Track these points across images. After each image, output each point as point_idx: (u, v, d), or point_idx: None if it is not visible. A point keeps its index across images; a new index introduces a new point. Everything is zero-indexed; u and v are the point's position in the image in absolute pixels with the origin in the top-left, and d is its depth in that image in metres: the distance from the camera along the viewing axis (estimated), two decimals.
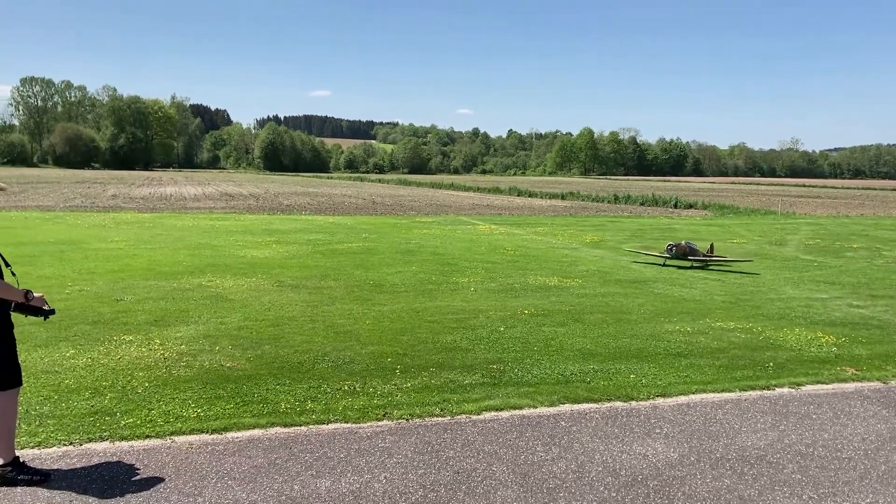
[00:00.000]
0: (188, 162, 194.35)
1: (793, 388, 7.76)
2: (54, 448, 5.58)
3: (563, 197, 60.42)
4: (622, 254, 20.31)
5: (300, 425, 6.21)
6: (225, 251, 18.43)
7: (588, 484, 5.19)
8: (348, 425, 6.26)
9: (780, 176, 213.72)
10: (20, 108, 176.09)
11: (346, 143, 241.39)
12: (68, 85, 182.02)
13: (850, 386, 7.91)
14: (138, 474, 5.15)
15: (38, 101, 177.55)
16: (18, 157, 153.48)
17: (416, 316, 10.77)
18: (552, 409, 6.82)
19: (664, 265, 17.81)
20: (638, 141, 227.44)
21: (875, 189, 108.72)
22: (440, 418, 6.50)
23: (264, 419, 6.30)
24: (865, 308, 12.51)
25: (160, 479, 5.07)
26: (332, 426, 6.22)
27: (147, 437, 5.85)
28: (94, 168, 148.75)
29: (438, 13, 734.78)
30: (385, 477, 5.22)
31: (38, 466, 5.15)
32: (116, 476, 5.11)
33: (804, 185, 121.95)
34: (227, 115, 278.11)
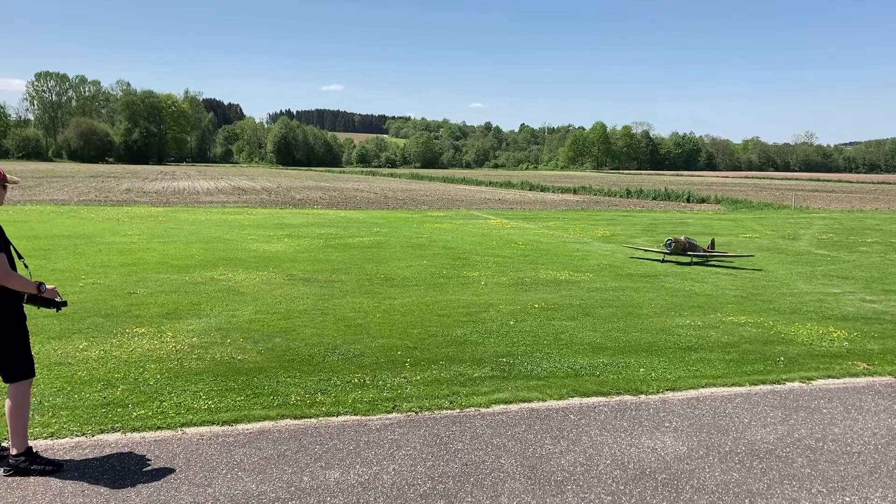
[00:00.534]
0: (201, 156, 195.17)
1: (803, 382, 7.73)
2: (67, 439, 5.64)
3: (575, 191, 60.30)
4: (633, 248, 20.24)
5: (310, 417, 6.25)
6: (237, 245, 18.52)
7: (596, 477, 5.20)
8: (358, 417, 6.29)
9: (794, 170, 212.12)
10: (35, 102, 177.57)
11: (359, 138, 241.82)
12: (83, 80, 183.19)
13: (861, 381, 7.87)
14: (149, 465, 5.20)
15: (53, 96, 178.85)
16: (33, 152, 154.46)
17: (426, 309, 10.80)
18: (561, 403, 6.83)
19: (663, 261, 17.44)
20: (651, 135, 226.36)
21: (890, 183, 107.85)
22: (449, 411, 6.52)
23: (274, 411, 6.34)
24: (878, 303, 12.43)
25: (171, 470, 5.12)
26: (341, 418, 6.26)
27: (158, 428, 5.91)
28: (108, 162, 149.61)
29: (451, 8, 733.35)
30: (394, 469, 5.25)
31: (51, 457, 5.21)
32: (128, 466, 5.16)
33: (818, 180, 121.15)
34: (240, 109, 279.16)
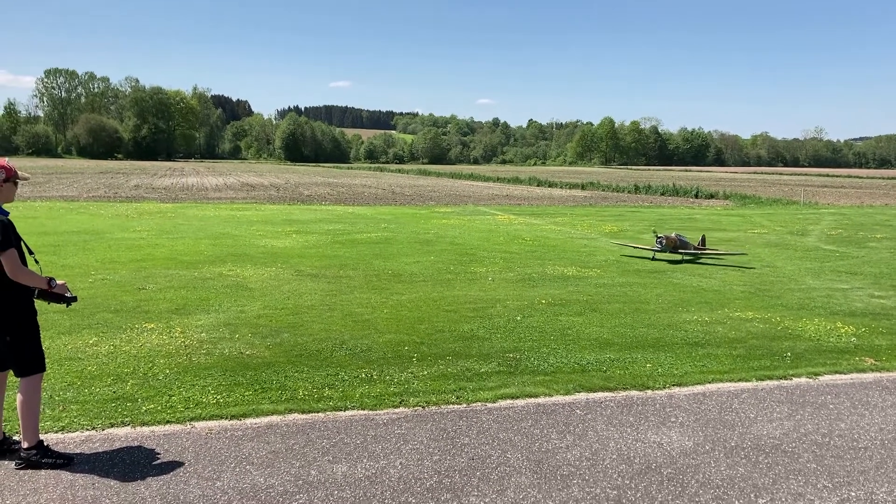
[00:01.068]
0: (210, 152, 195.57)
1: (810, 378, 7.73)
2: (77, 433, 5.70)
3: (583, 187, 60.18)
4: (640, 244, 20.20)
5: (318, 412, 6.29)
6: (245, 241, 18.59)
7: (602, 471, 5.22)
8: (365, 412, 6.33)
9: (803, 166, 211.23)
10: (45, 99, 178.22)
11: (367, 134, 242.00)
12: (92, 76, 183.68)
13: (868, 376, 7.86)
14: (159, 459, 5.25)
15: (62, 93, 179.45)
16: (43, 148, 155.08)
17: (433, 305, 10.83)
18: (567, 398, 6.85)
19: (653, 258, 16.90)
20: (659, 130, 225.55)
21: None
22: (456, 406, 6.55)
23: (282, 405, 6.39)
24: (887, 298, 12.39)
25: (180, 464, 5.17)
26: (349, 413, 6.30)
27: (167, 422, 5.96)
28: (117, 158, 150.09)
29: (459, 4, 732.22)
30: (401, 463, 5.29)
31: (62, 450, 5.27)
32: (137, 460, 5.21)
33: (828, 175, 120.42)
34: (249, 105, 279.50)
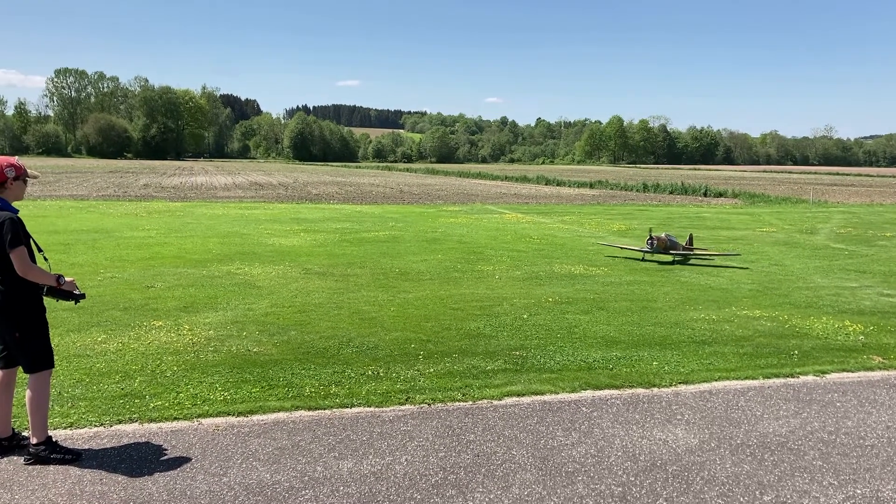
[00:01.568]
0: (219, 152, 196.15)
1: (817, 376, 7.71)
2: (86, 429, 5.75)
3: (591, 185, 60.11)
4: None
5: (324, 409, 6.32)
6: (254, 239, 18.65)
7: (607, 468, 5.23)
8: (371, 409, 6.35)
9: (813, 164, 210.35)
10: (55, 99, 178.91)
11: (375, 133, 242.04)
12: (101, 76, 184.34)
13: (876, 374, 7.84)
14: (166, 454, 5.29)
15: (72, 92, 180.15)
16: (53, 147, 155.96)
17: (440, 303, 10.85)
18: (573, 396, 6.86)
19: (643, 260, 16.32)
20: (668, 129, 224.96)
21: None
22: (462, 403, 6.57)
23: (289, 402, 6.42)
24: None
25: (187, 460, 5.21)
26: (355, 410, 6.32)
27: (175, 419, 6.00)
28: (126, 158, 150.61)
29: (466, 3, 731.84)
30: (406, 459, 5.31)
31: (70, 446, 5.32)
32: (145, 456, 5.25)
33: (837, 174, 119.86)
34: (257, 105, 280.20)
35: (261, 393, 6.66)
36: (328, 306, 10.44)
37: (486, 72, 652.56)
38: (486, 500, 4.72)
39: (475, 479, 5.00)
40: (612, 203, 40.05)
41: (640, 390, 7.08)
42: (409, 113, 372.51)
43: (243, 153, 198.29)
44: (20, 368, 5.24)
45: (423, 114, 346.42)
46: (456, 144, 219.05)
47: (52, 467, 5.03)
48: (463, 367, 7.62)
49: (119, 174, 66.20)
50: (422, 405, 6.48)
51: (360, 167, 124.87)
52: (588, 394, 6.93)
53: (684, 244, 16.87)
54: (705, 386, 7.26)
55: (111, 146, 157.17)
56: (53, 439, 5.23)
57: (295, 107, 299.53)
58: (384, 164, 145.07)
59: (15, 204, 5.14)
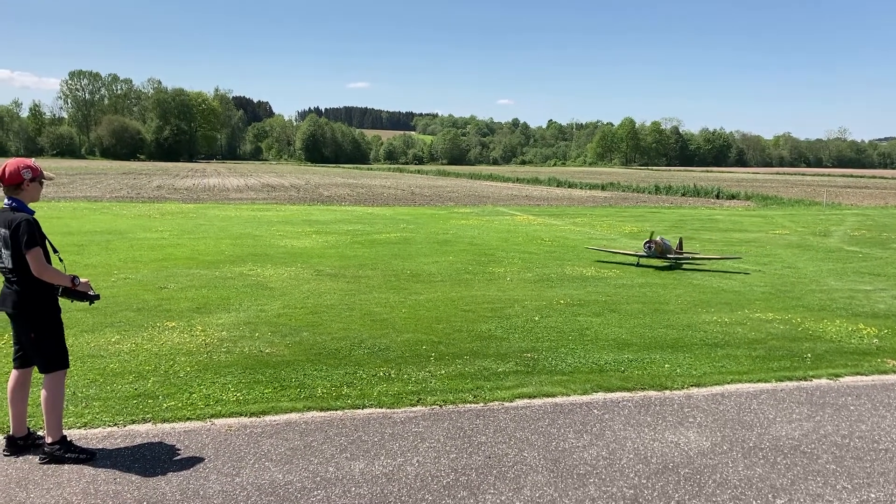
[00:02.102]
0: (231, 153, 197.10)
1: (831, 379, 7.66)
2: (100, 429, 5.79)
3: (603, 187, 59.98)
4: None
5: (336, 410, 6.34)
6: (266, 241, 18.72)
7: (619, 471, 5.22)
8: (383, 410, 6.37)
9: (826, 166, 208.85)
10: (69, 101, 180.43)
11: (386, 135, 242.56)
12: (115, 78, 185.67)
13: (890, 378, 7.78)
14: (179, 454, 5.32)
15: (86, 94, 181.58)
16: (67, 149, 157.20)
17: (451, 305, 10.85)
18: (585, 398, 6.85)
19: (638, 265, 15.69)
20: (680, 131, 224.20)
21: None
22: (473, 405, 6.57)
23: (301, 403, 6.44)
24: None
25: (200, 460, 5.24)
26: (366, 411, 6.34)
27: (188, 419, 6.03)
28: (139, 159, 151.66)
29: (478, 5, 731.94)
30: (417, 460, 5.32)
31: (85, 446, 5.36)
32: (158, 456, 5.29)
33: (851, 176, 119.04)
34: (270, 107, 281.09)
35: (273, 394, 6.69)
36: (340, 307, 10.47)
37: (497, 73, 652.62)
38: (498, 501, 4.72)
39: (486, 481, 5.00)
40: (623, 205, 39.95)
41: (652, 393, 7.06)
42: (421, 115, 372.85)
43: (255, 155, 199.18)
44: (35, 368, 5.29)
45: (435, 116, 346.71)
46: (467, 146, 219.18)
47: (66, 466, 5.07)
48: (474, 368, 7.63)
49: (132, 176, 66.59)
50: (433, 407, 6.49)
51: (371, 169, 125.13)
52: (600, 396, 6.92)
53: (676, 248, 16.18)
54: (717, 389, 7.23)
55: (124, 148, 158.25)
56: (68, 439, 5.27)
57: (307, 109, 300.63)
58: (395, 166, 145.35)
59: (30, 205, 5.19)
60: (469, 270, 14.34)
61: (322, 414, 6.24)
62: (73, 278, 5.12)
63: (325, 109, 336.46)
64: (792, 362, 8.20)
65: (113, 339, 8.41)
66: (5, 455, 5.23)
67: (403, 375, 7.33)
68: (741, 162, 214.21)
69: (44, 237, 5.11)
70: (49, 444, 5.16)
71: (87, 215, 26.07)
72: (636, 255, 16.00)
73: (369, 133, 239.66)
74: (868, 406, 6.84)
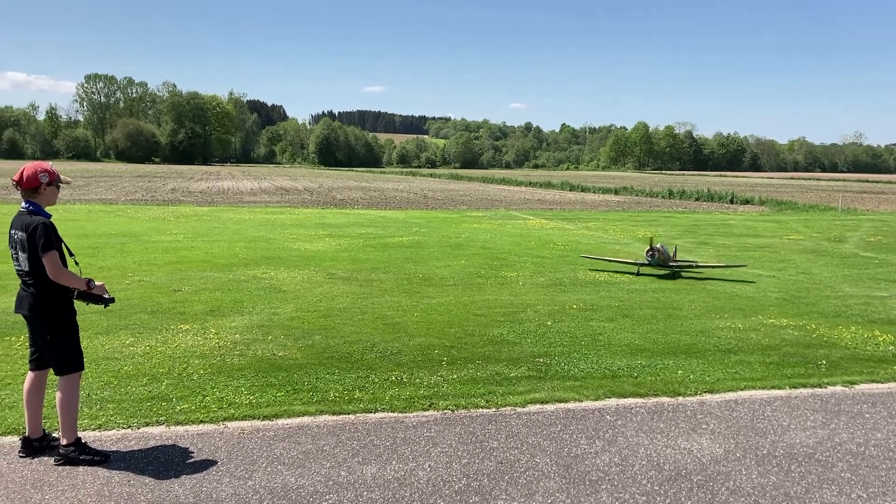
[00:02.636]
0: (245, 157, 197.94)
1: (846, 386, 7.61)
2: (114, 431, 5.83)
3: (616, 192, 59.84)
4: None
5: (348, 413, 6.35)
6: (279, 244, 18.78)
7: (631, 477, 5.20)
8: (395, 414, 6.37)
9: (842, 171, 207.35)
10: (84, 104, 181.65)
11: (399, 138, 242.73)
12: (130, 81, 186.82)
13: None
14: (192, 457, 5.35)
15: (102, 98, 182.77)
16: (82, 152, 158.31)
17: (463, 309, 10.85)
18: (597, 403, 6.83)
19: (638, 273, 15.07)
20: (694, 135, 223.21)
21: None
22: (485, 410, 6.57)
23: (314, 407, 6.46)
24: None
25: (213, 463, 5.26)
26: (379, 415, 6.35)
27: (201, 422, 6.06)
28: (154, 162, 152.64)
29: (491, 9, 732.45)
30: (429, 465, 5.32)
31: (99, 447, 5.39)
32: (171, 458, 5.32)
33: (867, 181, 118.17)
34: (283, 110, 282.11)
35: (286, 397, 6.71)
36: (352, 311, 10.49)
37: (510, 77, 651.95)
38: None
39: (498, 487, 5.00)
40: (637, 210, 39.83)
41: (665, 399, 7.04)
42: (434, 118, 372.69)
43: (269, 158, 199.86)
44: (51, 370, 5.33)
45: (448, 119, 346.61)
46: (480, 150, 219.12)
47: (81, 468, 5.11)
48: (486, 373, 7.63)
49: (147, 178, 67.03)
50: (445, 411, 6.49)
51: (384, 172, 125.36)
52: (612, 402, 6.90)
53: (673, 256, 15.60)
54: (731, 395, 7.20)
55: (139, 151, 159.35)
56: (83, 440, 5.31)
57: (320, 112, 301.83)
58: (408, 170, 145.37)
59: (47, 208, 5.23)
60: (481, 274, 14.33)
61: (334, 418, 6.25)
62: (89, 281, 5.16)
63: (339, 113, 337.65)
64: (806, 369, 8.14)
65: (127, 342, 8.46)
66: (21, 457, 5.28)
67: (415, 380, 7.34)
68: (755, 167, 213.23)
69: (60, 240, 5.15)
70: (64, 446, 5.20)
71: (102, 218, 26.26)
72: (636, 264, 15.42)
73: (382, 137, 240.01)
74: (884, 414, 6.78)
